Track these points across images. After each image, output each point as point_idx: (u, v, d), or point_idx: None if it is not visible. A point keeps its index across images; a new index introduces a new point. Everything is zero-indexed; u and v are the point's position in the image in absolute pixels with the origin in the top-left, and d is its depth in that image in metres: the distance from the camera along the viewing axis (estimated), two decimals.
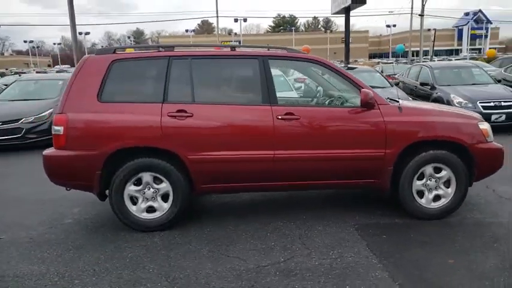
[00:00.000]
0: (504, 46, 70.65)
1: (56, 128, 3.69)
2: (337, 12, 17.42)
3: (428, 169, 3.87)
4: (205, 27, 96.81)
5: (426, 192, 3.92)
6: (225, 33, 78.20)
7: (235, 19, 58.81)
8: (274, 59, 3.94)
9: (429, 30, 50.84)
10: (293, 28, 79.60)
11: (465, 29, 69.32)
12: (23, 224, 4.14)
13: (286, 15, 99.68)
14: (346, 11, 16.27)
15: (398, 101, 4.10)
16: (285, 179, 3.86)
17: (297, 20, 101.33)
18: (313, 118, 3.79)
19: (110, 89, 3.75)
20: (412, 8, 42.85)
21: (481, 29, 68.84)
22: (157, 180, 3.78)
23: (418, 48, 57.65)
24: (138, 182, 3.78)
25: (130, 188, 3.77)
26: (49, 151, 3.80)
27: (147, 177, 3.75)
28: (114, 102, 3.75)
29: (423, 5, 37.79)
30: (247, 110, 3.80)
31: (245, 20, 58.77)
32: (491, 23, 66.28)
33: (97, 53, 3.94)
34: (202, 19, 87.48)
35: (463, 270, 2.94)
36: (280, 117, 3.72)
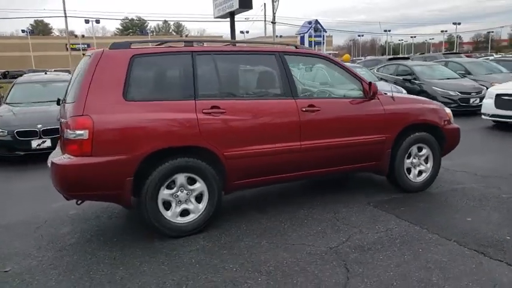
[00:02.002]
0: (337, 52, 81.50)
1: (78, 132, 3.22)
2: (221, 16, 17.91)
3: (414, 149, 4.57)
4: (40, 28, 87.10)
5: (412, 169, 4.62)
6: (69, 35, 71.47)
7: (86, 20, 54.49)
8: (288, 55, 4.13)
9: (281, 36, 55.61)
10: (147, 32, 77.38)
11: (306, 36, 77.59)
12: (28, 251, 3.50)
13: (135, 18, 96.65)
14: (231, 16, 16.88)
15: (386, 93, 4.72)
16: (309, 168, 4.10)
17: (147, 23, 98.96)
18: (330, 109, 4.12)
19: (135, 87, 3.44)
20: (265, 15, 46.36)
21: (319, 36, 78.00)
22: (190, 181, 3.62)
23: None
24: (171, 185, 3.56)
25: (165, 192, 3.53)
26: (66, 160, 3.28)
27: (181, 178, 3.57)
28: (142, 101, 3.46)
29: (274, 14, 41.30)
30: (275, 103, 3.92)
31: (98, 22, 54.95)
32: (326, 32, 75.60)
33: (111, 47, 3.55)
34: (36, 19, 78.64)
35: (482, 224, 3.64)
36: (304, 109, 3.95)
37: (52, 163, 3.35)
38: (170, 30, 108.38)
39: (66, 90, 4.06)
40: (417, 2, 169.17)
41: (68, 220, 4.19)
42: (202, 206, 3.66)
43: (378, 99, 4.33)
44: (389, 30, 70.16)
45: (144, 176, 3.43)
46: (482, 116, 8.75)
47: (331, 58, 4.45)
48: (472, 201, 4.23)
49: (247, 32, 65.62)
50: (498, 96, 8.31)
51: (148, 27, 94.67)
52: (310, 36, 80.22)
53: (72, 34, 70.85)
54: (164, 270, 3.03)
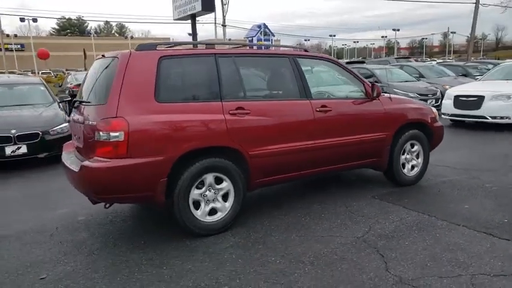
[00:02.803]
0: None
1: (113, 134, 3.22)
2: (181, 18, 17.79)
3: (408, 145, 4.97)
4: None
5: (406, 164, 5.02)
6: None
7: (21, 18, 51.31)
8: (299, 58, 4.34)
9: (229, 39, 55.69)
10: (90, 32, 74.28)
11: (255, 40, 78.51)
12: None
13: (73, 18, 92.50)
14: (193, 18, 16.84)
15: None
16: (322, 165, 4.34)
17: (86, 24, 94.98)
18: (340, 109, 4.39)
19: (164, 88, 3.49)
20: (215, 18, 46.44)
21: (268, 40, 79.03)
22: (217, 181, 3.72)
23: None
24: (200, 185, 3.64)
25: (195, 192, 3.60)
26: (101, 162, 3.25)
27: (210, 178, 3.66)
28: (173, 102, 3.51)
29: (224, 17, 41.50)
30: (293, 104, 4.12)
31: (35, 20, 51.93)
32: (274, 36, 76.95)
33: (138, 49, 3.56)
34: None
35: (479, 210, 4.06)
36: (318, 109, 4.19)
37: (82, 166, 3.30)
38: (112, 32, 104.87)
39: (80, 92, 4.00)
40: (355, 8, 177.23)
41: (81, 226, 4.11)
42: (228, 205, 3.77)
43: (379, 99, 4.67)
44: (334, 35, 72.86)
45: (175, 177, 3.47)
46: (442, 116, 9.50)
47: (336, 60, 4.74)
48: (462, 191, 4.69)
49: (190, 34, 65.12)
50: (456, 97, 9.09)
51: (88, 27, 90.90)
52: (259, 39, 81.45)
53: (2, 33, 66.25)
54: (210, 267, 3.11)
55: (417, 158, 5.09)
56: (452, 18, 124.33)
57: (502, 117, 8.36)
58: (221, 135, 3.64)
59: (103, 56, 3.84)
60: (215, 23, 48.28)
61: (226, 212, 3.75)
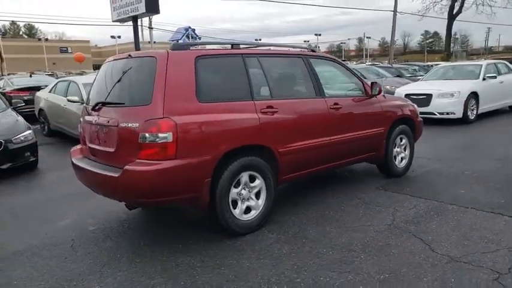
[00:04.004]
0: None
1: (162, 135, 3.12)
2: (122, 20, 17.06)
3: (397, 139, 5.39)
4: None
5: (397, 157, 5.43)
6: None
7: None
8: (311, 58, 4.51)
9: (154, 42, 54.25)
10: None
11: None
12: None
13: None
14: (134, 20, 16.22)
15: None
16: (335, 159, 4.56)
17: None
18: (348, 107, 4.63)
19: (203, 88, 3.46)
20: (142, 20, 45.00)
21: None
22: (251, 179, 3.75)
23: None
24: (236, 184, 3.65)
25: (234, 191, 3.60)
26: (149, 165, 3.12)
27: (245, 177, 3.68)
28: (212, 102, 3.48)
29: (150, 19, 40.43)
30: (312, 102, 4.27)
31: None
32: (200, 39, 76.49)
33: (173, 48, 3.47)
34: None
35: (474, 193, 4.54)
36: (331, 107, 4.40)
37: (127, 170, 3.14)
38: (20, 33, 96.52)
39: (88, 93, 3.79)
40: (275, 14, 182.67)
41: (99, 236, 3.88)
42: (261, 202, 3.81)
43: (376, 97, 5.00)
44: (260, 39, 74.28)
45: (217, 177, 3.45)
46: None
47: (339, 60, 5.00)
48: (449, 179, 5.19)
49: (119, 37, 62.39)
50: (407, 96, 9.87)
51: None
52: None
53: None
54: (268, 263, 3.14)
55: (405, 150, 5.53)
56: (365, 24, 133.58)
57: (448, 113, 9.30)
58: (256, 134, 3.68)
59: (129, 55, 3.66)
60: (141, 25, 46.93)
61: (260, 210, 3.79)
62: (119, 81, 3.61)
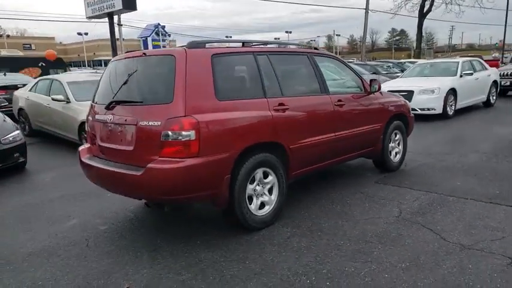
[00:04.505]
0: None
1: (185, 133, 3.16)
2: (97, 17, 16.68)
3: (392, 135, 5.59)
4: None
5: (392, 152, 5.64)
6: None
7: None
8: (314, 55, 4.62)
9: (123, 39, 53.01)
10: None
11: (149, 40, 76.20)
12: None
13: None
14: (110, 17, 15.90)
15: None
16: (339, 155, 4.70)
17: None
18: (350, 103, 4.77)
19: (220, 86, 3.50)
20: (112, 17, 44.08)
21: (163, 40, 76.91)
22: (264, 175, 3.83)
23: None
24: (252, 181, 3.72)
25: (249, 187, 3.68)
26: (172, 163, 3.15)
27: (260, 173, 3.76)
28: (229, 100, 3.53)
29: (119, 17, 39.61)
30: (319, 99, 4.39)
31: None
32: (169, 36, 75.42)
33: (190, 46, 3.49)
34: None
35: (470, 185, 4.78)
36: (335, 103, 4.53)
37: (150, 168, 3.15)
38: None
39: (95, 91, 3.79)
40: (244, 11, 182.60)
41: (113, 235, 3.88)
42: (274, 198, 3.90)
43: (374, 94, 5.18)
44: (230, 36, 74.00)
45: (235, 173, 3.51)
46: None
47: (339, 58, 5.14)
48: (442, 172, 5.44)
49: (86, 33, 60.68)
50: (389, 92, 10.20)
51: None
52: (154, 40, 78.97)
53: None
54: (290, 256, 3.24)
55: (399, 145, 5.74)
56: (333, 22, 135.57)
57: (429, 109, 9.66)
58: (270, 131, 3.76)
59: (144, 54, 3.65)
60: (111, 22, 45.94)
61: (273, 205, 3.88)
62: (133, 79, 3.59)
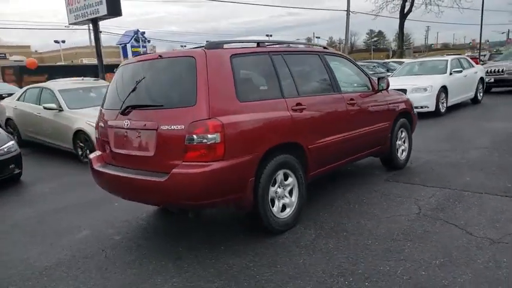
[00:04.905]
0: None
1: (210, 136, 3.07)
2: (80, 23, 16.36)
3: (399, 133, 5.61)
4: None
5: (399, 149, 5.65)
6: None
7: None
8: (325, 54, 4.59)
9: (102, 46, 52.17)
10: None
11: (128, 46, 75.36)
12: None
13: None
14: (94, 23, 15.60)
15: None
16: (352, 154, 4.67)
17: None
18: (361, 102, 4.76)
19: (240, 87, 3.43)
20: (89, 24, 43.46)
21: (142, 47, 76.11)
22: (284, 177, 3.77)
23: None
24: (273, 182, 3.65)
25: (272, 189, 3.61)
26: (198, 168, 3.05)
27: (281, 175, 3.70)
28: (250, 101, 3.46)
29: (96, 24, 39.05)
30: (333, 98, 4.35)
31: None
32: (149, 42, 74.69)
33: (208, 47, 3.40)
34: None
35: (480, 180, 4.81)
36: (348, 102, 4.51)
37: (175, 174, 3.05)
38: None
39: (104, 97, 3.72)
40: (221, 16, 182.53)
41: (130, 245, 3.76)
42: (294, 199, 3.83)
43: (381, 92, 5.18)
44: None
45: (258, 176, 3.43)
46: None
47: (348, 57, 5.13)
48: (448, 168, 5.48)
49: (64, 41, 59.54)
50: None
51: None
52: (133, 46, 78.06)
53: None
54: (320, 258, 3.18)
55: (404, 143, 5.76)
56: (312, 25, 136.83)
57: (422, 107, 9.76)
58: (290, 132, 3.70)
59: (160, 56, 3.54)
60: (89, 29, 45.22)
61: (294, 207, 3.81)
62: (150, 83, 3.49)
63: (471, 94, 11.71)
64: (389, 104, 5.25)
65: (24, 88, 9.74)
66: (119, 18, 15.56)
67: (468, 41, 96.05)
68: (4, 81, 22.12)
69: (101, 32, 42.19)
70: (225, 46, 3.56)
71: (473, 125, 8.77)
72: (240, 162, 3.21)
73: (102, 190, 5.00)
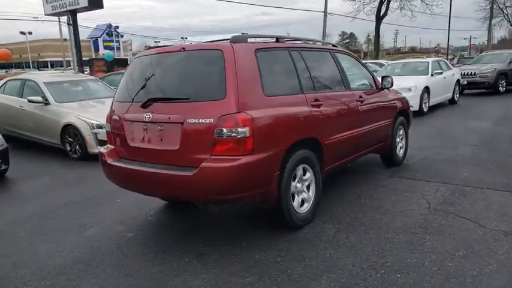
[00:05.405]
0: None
1: (241, 130, 3.04)
2: (57, 14, 15.84)
3: (398, 130, 5.74)
4: None
5: (397, 146, 5.79)
6: None
7: None
8: (335, 52, 4.64)
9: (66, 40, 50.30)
10: None
11: (100, 40, 73.47)
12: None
13: None
14: (73, 14, 15.12)
15: None
16: (359, 151, 4.75)
17: None
18: (368, 99, 4.84)
19: (265, 81, 3.41)
20: (75, 15, 42.11)
21: (115, 41, 74.36)
22: (303, 172, 3.79)
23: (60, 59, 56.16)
24: (294, 177, 3.66)
25: (293, 184, 3.62)
26: (229, 162, 3.02)
27: (300, 170, 3.71)
28: (274, 96, 3.46)
29: (69, 16, 37.83)
30: (344, 95, 4.40)
31: None
32: (122, 36, 73.03)
33: (233, 41, 3.36)
34: None
35: (478, 176, 4.98)
36: (357, 99, 4.58)
37: (205, 167, 3.01)
38: None
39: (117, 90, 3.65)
40: (194, 12, 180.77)
41: (145, 242, 3.67)
42: (311, 194, 3.86)
43: (384, 90, 5.29)
44: (186, 38, 72.98)
45: (281, 171, 3.43)
46: None
47: (353, 55, 5.21)
48: (445, 164, 5.66)
49: (30, 33, 57.29)
50: None
51: None
52: (105, 40, 76.01)
53: None
54: (347, 251, 3.21)
55: (402, 140, 5.90)
56: (284, 25, 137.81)
57: None
58: (310, 127, 3.72)
59: (183, 49, 3.46)
60: (59, 21, 43.60)
61: (311, 202, 3.84)
62: (173, 76, 3.42)
63: (449, 95, 12.13)
64: (391, 102, 5.37)
65: (4, 80, 9.30)
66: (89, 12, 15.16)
67: (433, 45, 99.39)
68: None
69: (71, 24, 41.02)
70: (249, 40, 3.53)
71: (457, 124, 9.10)
72: (267, 157, 3.20)
73: (100, 187, 4.92)
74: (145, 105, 3.42)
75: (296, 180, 3.66)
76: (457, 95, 12.76)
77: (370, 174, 5.35)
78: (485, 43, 45.93)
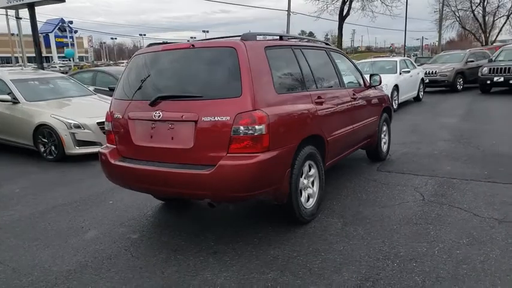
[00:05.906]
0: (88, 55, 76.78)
1: (258, 127, 3.06)
2: (13, 7, 14.98)
3: (383, 126, 5.96)
4: None
5: (381, 141, 6.00)
6: None
7: None
8: (330, 51, 4.74)
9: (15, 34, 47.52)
10: None
11: (52, 36, 70.29)
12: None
13: None
14: (31, 7, 14.34)
15: None
16: (352, 146, 4.89)
17: None
18: (360, 97, 4.98)
19: (276, 79, 3.45)
20: (33, 8, 39.93)
21: (66, 37, 71.44)
22: (308, 168, 3.86)
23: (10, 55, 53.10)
24: (301, 173, 3.72)
25: (301, 180, 3.68)
26: (247, 159, 3.03)
27: (307, 166, 3.78)
28: (284, 93, 3.50)
29: (17, 10, 35.95)
30: (341, 92, 4.51)
31: None
32: (76, 32, 70.26)
33: (244, 38, 3.36)
34: None
35: (462, 169, 5.28)
36: (351, 97, 4.71)
37: (222, 166, 2.99)
38: None
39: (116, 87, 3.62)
40: (151, 8, 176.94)
41: (152, 243, 3.60)
42: (315, 190, 3.93)
43: (371, 88, 5.47)
44: (144, 34, 71.35)
45: (292, 167, 3.48)
46: None
47: (343, 53, 5.33)
48: (426, 159, 5.94)
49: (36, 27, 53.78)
50: None
51: None
52: (56, 36, 72.70)
53: None
54: (359, 244, 3.31)
55: (385, 136, 6.13)
56: (242, 23, 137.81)
57: None
58: (315, 124, 3.80)
59: (192, 46, 3.41)
60: (7, 15, 41.20)
61: (316, 197, 3.91)
62: (182, 73, 3.36)
63: (415, 93, 12.68)
64: (378, 99, 5.56)
65: None
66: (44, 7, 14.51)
67: (388, 45, 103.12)
68: None
69: (20, 18, 38.76)
70: (258, 38, 3.54)
71: (427, 120, 9.52)
72: (281, 153, 3.23)
73: (85, 188, 4.79)
74: (154, 104, 3.35)
75: (303, 176, 3.71)
76: (422, 93, 13.35)
77: (360, 169, 5.51)
78: (436, 44, 48.41)
